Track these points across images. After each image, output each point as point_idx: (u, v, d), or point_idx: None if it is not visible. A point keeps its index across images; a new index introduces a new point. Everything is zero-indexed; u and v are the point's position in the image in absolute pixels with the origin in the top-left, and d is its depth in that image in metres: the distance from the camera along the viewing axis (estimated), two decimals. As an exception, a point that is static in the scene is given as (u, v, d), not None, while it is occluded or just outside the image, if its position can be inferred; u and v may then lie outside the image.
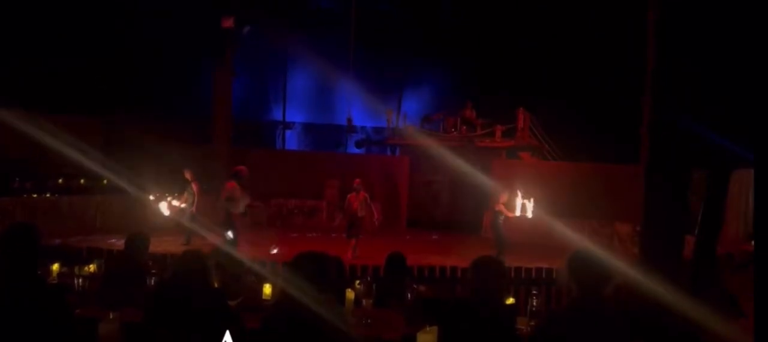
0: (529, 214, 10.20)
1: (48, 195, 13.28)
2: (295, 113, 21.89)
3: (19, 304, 3.15)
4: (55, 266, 5.22)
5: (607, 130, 15.27)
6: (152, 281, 4.74)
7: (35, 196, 13.07)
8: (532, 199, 10.24)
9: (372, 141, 20.04)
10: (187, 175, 10.94)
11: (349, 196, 10.94)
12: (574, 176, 14.52)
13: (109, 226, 12.55)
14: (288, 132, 21.74)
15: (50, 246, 8.26)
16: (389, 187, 15.92)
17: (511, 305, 5.01)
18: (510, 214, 10.40)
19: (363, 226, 11.16)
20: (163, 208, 10.77)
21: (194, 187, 10.88)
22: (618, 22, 13.13)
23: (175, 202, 10.78)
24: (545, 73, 17.42)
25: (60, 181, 13.94)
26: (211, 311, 3.52)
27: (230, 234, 9.00)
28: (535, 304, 4.30)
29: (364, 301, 4.57)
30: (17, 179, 13.34)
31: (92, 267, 5.40)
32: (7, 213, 11.49)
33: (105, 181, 13.22)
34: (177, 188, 11.39)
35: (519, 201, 10.26)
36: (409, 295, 4.64)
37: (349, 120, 18.87)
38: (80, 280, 4.83)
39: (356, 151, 19.38)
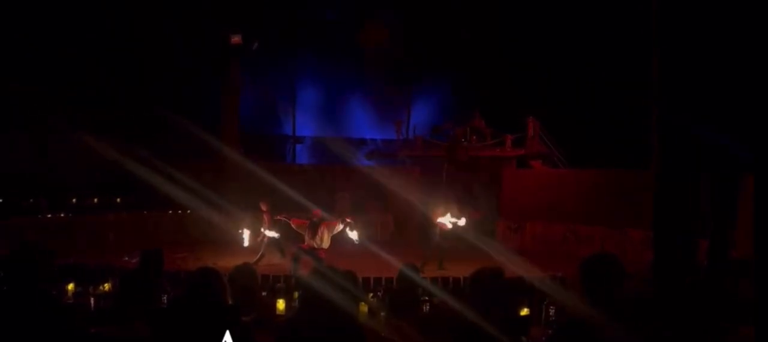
0: (461, 222, 10.92)
1: (62, 214, 13.36)
2: (305, 127, 21.91)
3: (30, 325, 3.16)
4: (71, 286, 5.25)
5: (617, 135, 15.18)
6: (165, 298, 4.76)
7: (49, 215, 13.15)
8: (462, 218, 10.93)
9: (382, 153, 20.00)
10: (263, 207, 10.78)
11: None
12: (585, 183, 14.44)
13: (122, 243, 12.58)
14: (298, 146, 21.76)
15: (64, 265, 8.31)
16: (400, 198, 15.88)
17: (525, 316, 4.97)
18: (445, 227, 10.91)
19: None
20: (246, 237, 10.72)
21: (266, 217, 10.73)
22: (626, 26, 13.09)
23: (268, 232, 10.60)
24: (554, 80, 17.37)
25: (74, 200, 14.02)
26: (224, 327, 3.52)
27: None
28: (551, 313, 4.26)
29: (377, 314, 4.57)
30: (31, 199, 13.45)
31: (107, 286, 5.44)
32: (20, 232, 11.55)
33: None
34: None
35: (448, 217, 10.86)
36: (422, 307, 4.63)
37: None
38: (95, 300, 4.87)
39: (366, 163, 19.35)
